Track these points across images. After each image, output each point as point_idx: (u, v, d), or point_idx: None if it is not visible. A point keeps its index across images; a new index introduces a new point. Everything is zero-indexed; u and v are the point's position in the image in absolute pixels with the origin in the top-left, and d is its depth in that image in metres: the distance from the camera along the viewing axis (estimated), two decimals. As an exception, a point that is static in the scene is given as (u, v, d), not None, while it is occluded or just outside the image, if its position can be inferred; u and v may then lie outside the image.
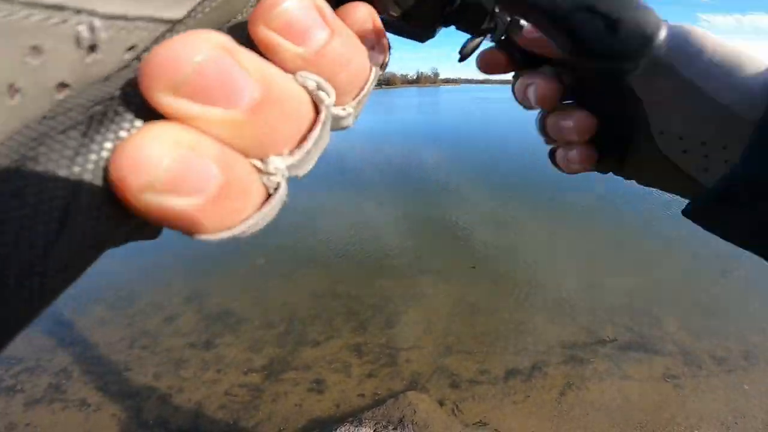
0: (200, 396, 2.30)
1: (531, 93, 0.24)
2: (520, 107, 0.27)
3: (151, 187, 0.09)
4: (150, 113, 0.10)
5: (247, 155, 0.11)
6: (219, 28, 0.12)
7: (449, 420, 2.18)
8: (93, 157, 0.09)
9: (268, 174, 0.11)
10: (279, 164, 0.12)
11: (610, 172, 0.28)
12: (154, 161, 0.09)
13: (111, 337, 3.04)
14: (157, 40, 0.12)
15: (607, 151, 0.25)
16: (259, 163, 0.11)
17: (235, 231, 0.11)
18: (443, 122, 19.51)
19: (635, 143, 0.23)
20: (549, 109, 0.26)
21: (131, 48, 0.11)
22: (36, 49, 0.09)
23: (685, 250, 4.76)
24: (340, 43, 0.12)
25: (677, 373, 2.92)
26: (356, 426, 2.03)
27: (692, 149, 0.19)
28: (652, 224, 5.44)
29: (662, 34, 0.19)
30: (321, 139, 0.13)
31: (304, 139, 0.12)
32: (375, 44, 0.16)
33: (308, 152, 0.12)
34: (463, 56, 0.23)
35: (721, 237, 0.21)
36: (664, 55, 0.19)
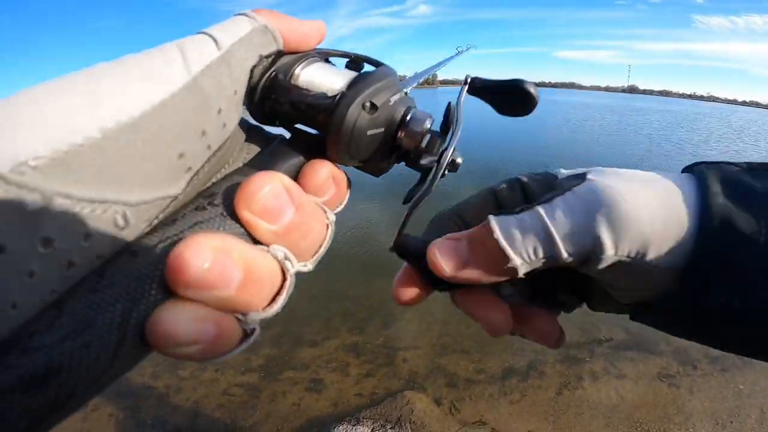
0: (198, 396, 2.30)
1: (486, 320, 0.24)
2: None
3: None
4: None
5: (234, 312, 0.16)
6: (213, 183, 0.19)
7: (447, 419, 2.19)
8: (133, 321, 0.14)
9: (247, 324, 0.17)
10: (255, 317, 0.17)
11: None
12: (176, 330, 0.14)
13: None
14: (165, 210, 0.16)
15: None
16: (241, 317, 0.16)
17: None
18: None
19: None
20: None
21: (148, 220, 0.16)
22: (88, 235, 0.14)
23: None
24: (303, 217, 0.18)
25: (672, 372, 2.95)
26: (354, 425, 2.04)
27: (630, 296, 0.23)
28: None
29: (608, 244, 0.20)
30: (288, 292, 0.18)
31: (275, 297, 0.18)
32: (335, 192, 0.21)
33: (278, 305, 0.18)
34: (406, 200, 0.25)
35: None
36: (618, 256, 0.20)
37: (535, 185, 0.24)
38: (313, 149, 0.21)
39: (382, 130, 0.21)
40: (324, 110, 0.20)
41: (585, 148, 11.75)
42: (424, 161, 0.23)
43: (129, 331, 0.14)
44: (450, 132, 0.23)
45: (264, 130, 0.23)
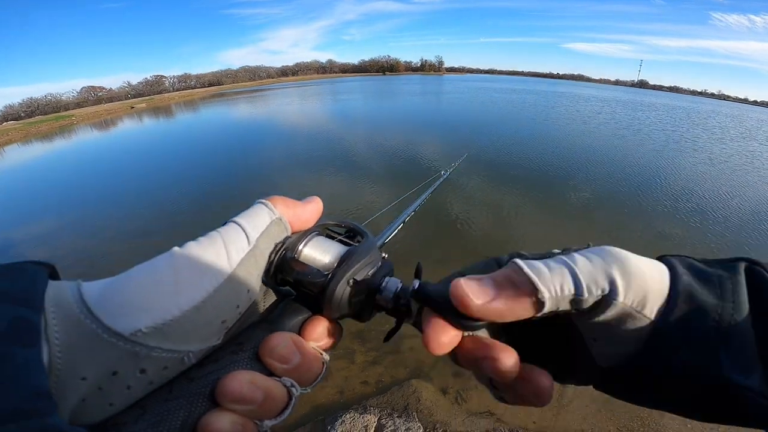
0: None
1: (488, 368, 0.24)
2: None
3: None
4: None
5: (255, 419, 0.23)
6: (242, 332, 0.26)
7: (453, 408, 2.19)
8: (191, 421, 0.21)
9: (263, 427, 0.23)
10: (268, 424, 0.23)
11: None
12: None
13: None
14: (211, 350, 0.24)
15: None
16: (259, 423, 0.23)
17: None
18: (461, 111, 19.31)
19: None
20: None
21: (200, 357, 0.24)
22: (165, 367, 0.22)
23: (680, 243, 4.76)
24: (305, 359, 0.25)
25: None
26: (361, 413, 2.03)
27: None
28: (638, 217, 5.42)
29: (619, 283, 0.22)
30: (293, 408, 0.25)
31: (283, 410, 0.24)
32: (330, 340, 0.28)
33: (284, 416, 0.24)
34: (386, 339, 0.31)
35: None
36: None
37: (536, 257, 0.26)
38: (313, 305, 0.28)
39: (363, 296, 0.28)
40: (319, 286, 0.27)
41: (604, 141, 11.56)
42: (396, 308, 0.28)
43: (187, 427, 0.21)
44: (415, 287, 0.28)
45: (277, 288, 0.30)
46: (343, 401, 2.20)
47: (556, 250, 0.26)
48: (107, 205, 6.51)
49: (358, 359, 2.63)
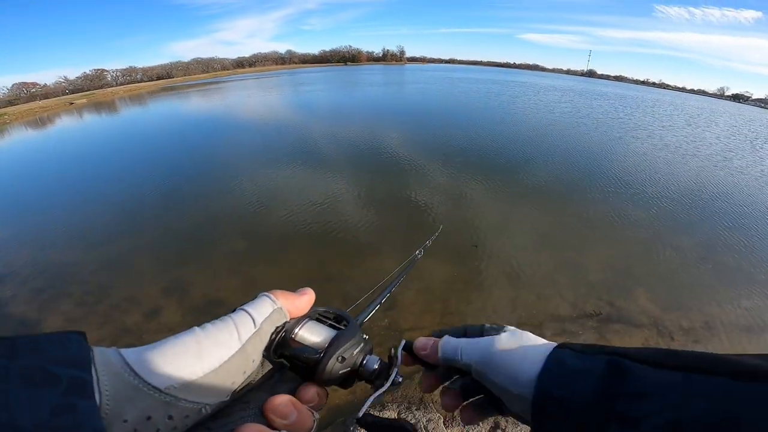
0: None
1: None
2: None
3: None
4: None
5: None
6: (248, 390, 0.33)
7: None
8: None
9: None
10: None
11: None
12: None
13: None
14: (218, 406, 0.30)
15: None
16: None
17: None
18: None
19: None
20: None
21: (216, 409, 0.30)
22: (187, 416, 0.28)
23: (640, 230, 5.17)
24: (299, 416, 0.31)
25: (652, 343, 3.20)
26: (380, 410, 2.04)
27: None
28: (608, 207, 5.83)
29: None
30: None
31: None
32: (320, 401, 0.34)
33: None
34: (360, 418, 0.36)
35: None
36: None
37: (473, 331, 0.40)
38: (305, 375, 0.34)
39: (349, 369, 0.35)
40: (313, 361, 0.34)
41: (567, 131, 12.09)
42: (375, 382, 0.37)
43: None
44: (392, 366, 0.38)
45: (275, 361, 0.36)
46: (358, 400, 2.19)
47: (488, 326, 0.40)
48: (54, 209, 5.93)
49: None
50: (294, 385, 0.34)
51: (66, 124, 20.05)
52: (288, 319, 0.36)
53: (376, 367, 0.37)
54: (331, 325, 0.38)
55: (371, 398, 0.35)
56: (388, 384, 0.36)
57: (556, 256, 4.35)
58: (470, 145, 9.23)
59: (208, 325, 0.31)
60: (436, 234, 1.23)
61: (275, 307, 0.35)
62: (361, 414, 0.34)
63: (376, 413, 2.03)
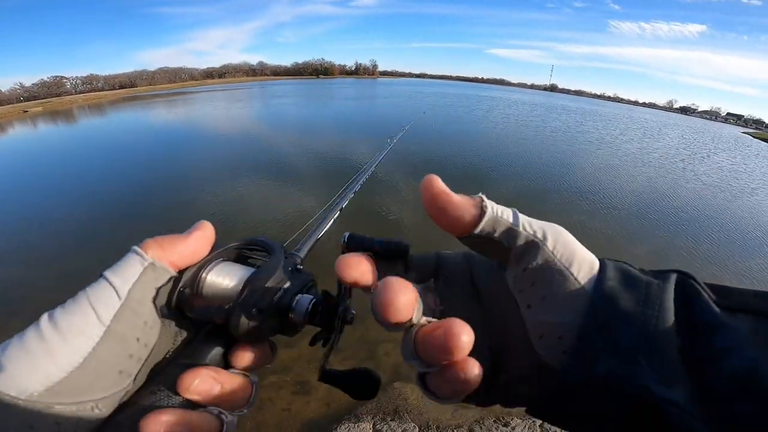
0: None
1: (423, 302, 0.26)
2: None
3: None
4: None
5: None
6: (160, 371, 0.26)
7: (440, 404, 2.27)
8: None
9: None
10: None
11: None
12: None
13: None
14: (127, 394, 0.25)
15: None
16: None
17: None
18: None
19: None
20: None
21: (114, 403, 0.25)
22: (80, 419, 0.23)
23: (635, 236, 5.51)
24: (226, 388, 0.26)
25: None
26: (355, 422, 2.02)
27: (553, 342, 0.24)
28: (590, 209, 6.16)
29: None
30: None
31: None
32: (260, 359, 0.28)
33: None
34: (311, 343, 0.30)
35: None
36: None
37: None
38: (226, 333, 0.27)
39: (275, 321, 0.28)
40: (223, 321, 0.26)
41: (537, 142, 12.61)
42: (313, 322, 0.29)
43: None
44: (341, 298, 0.29)
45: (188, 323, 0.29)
46: (332, 413, 2.16)
47: None
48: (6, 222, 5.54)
49: (337, 369, 2.60)
50: (221, 349, 0.28)
51: (17, 133, 18.76)
52: (174, 274, 0.28)
53: (308, 307, 0.28)
54: (251, 264, 0.30)
55: (326, 348, 0.29)
56: (337, 321, 0.28)
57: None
58: (455, 159, 9.44)
59: (58, 311, 0.24)
60: (408, 126, 1.24)
61: (145, 264, 0.26)
62: (320, 372, 0.28)
63: (353, 425, 2.01)
